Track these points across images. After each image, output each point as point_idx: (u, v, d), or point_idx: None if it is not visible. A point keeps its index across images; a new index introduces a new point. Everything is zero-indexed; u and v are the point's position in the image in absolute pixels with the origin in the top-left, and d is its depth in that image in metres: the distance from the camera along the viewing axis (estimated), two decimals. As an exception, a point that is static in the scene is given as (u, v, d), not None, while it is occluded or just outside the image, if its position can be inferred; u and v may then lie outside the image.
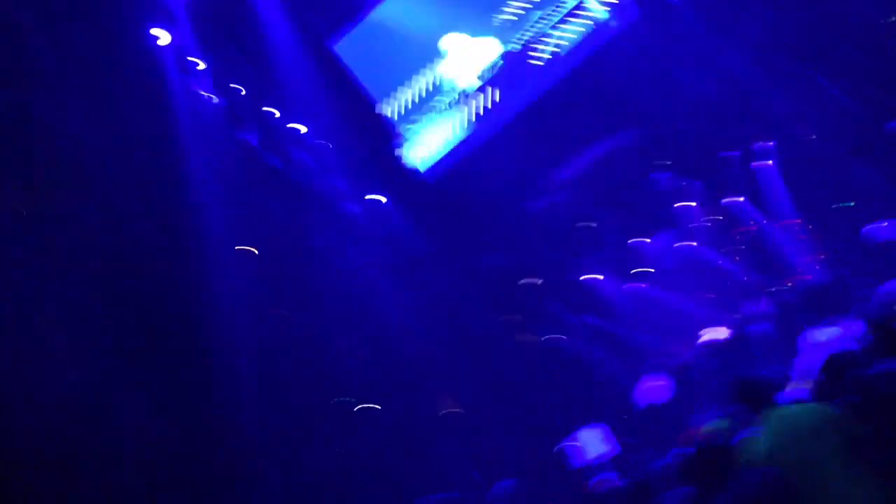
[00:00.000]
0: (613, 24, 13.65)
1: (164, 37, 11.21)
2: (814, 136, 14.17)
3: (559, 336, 14.67)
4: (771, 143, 14.23)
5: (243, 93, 13.03)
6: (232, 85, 12.71)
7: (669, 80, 13.66)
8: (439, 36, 14.38)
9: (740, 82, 13.40)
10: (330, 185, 13.63)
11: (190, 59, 11.66)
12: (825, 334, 8.51)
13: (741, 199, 14.55)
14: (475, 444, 13.20)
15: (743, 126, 13.88)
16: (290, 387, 11.37)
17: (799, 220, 13.98)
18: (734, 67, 13.34)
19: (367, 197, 14.14)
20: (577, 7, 14.01)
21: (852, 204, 13.81)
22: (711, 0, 13.54)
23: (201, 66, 12.11)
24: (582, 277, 15.00)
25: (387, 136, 14.04)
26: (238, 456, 10.22)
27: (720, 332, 13.39)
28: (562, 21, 14.02)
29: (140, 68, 10.67)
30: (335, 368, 12.57)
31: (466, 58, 14.28)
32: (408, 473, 12.02)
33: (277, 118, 13.50)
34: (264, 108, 13.20)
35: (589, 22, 13.83)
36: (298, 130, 13.66)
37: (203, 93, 12.03)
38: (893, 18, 13.38)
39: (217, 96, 12.27)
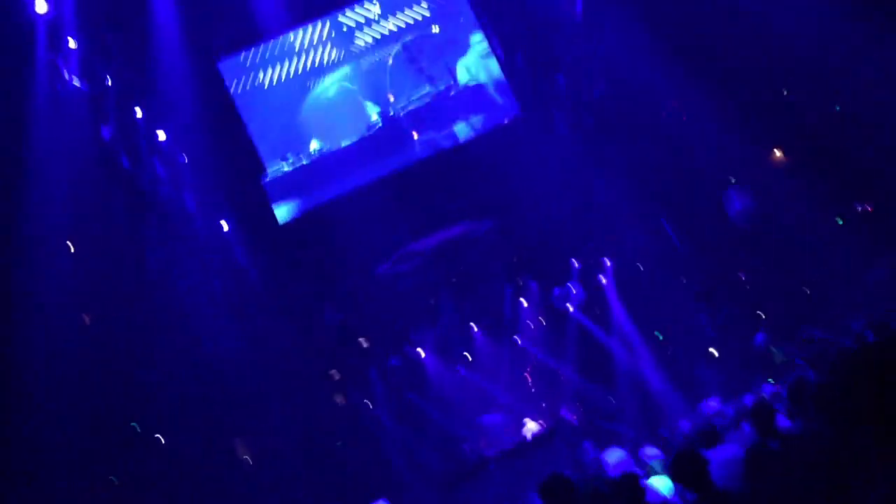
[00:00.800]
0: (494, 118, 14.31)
1: (41, 4, 10.41)
2: (641, 267, 15.31)
3: (371, 403, 14.65)
4: (609, 264, 15.17)
5: (110, 83, 12.30)
6: (100, 73, 11.94)
7: (533, 183, 14.30)
8: (326, 80, 14.41)
9: (595, 205, 14.26)
10: (178, 200, 13.02)
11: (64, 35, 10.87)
12: (615, 456, 8.97)
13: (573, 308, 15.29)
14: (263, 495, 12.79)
15: (588, 242, 14.72)
16: (88, 401, 10.52)
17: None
18: (594, 191, 14.19)
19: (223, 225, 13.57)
20: (464, 91, 14.57)
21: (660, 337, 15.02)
22: (588, 122, 14.41)
23: (72, 44, 11.34)
24: (411, 351, 15.11)
25: (250, 166, 13.70)
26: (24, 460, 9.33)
27: (537, 427, 13.87)
28: (447, 99, 14.51)
29: (7, 32, 9.83)
30: (138, 390, 11.80)
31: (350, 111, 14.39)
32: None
33: (139, 118, 12.80)
34: (129, 105, 12.45)
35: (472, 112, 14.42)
36: (157, 136, 13.02)
37: (66, 73, 11.22)
38: (732, 180, 14.88)
39: (81, 81, 11.49)
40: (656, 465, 7.77)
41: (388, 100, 14.50)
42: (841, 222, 14.61)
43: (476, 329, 15.42)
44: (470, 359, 15.31)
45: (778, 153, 15.33)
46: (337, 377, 14.70)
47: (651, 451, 8.67)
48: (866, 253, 13.27)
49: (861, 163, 13.71)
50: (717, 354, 13.87)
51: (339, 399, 14.88)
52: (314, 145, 14.30)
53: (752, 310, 14.27)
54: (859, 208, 14.67)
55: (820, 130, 13.92)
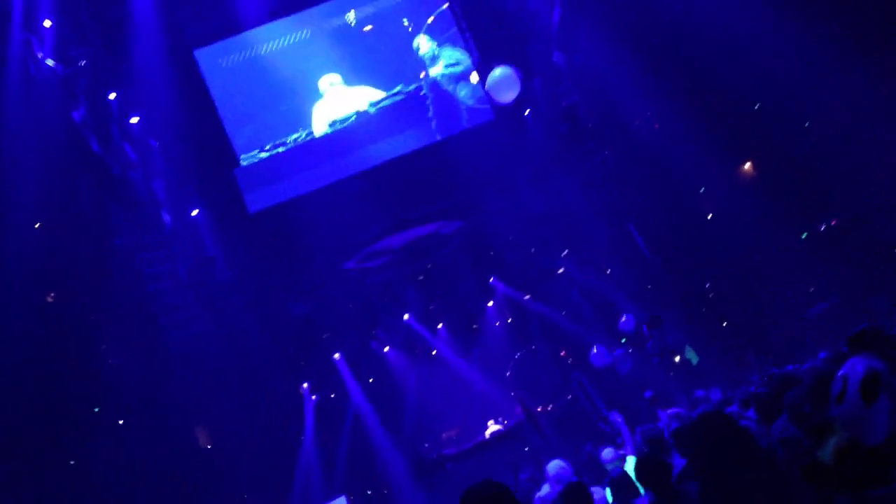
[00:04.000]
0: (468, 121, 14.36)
1: (16, -19, 10.34)
2: (608, 271, 15.51)
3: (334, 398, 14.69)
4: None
5: (83, 64, 12.23)
6: (74, 55, 11.86)
7: (505, 185, 14.39)
8: (306, 74, 14.36)
9: (567, 212, 14.35)
10: (147, 185, 12.95)
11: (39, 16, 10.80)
12: (555, 466, 9.05)
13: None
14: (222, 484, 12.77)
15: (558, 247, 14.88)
16: (48, 381, 10.47)
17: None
18: (566, 196, 14.27)
19: (193, 213, 13.49)
20: (437, 90, 14.60)
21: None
22: (561, 128, 14.50)
23: (47, 23, 11.27)
24: (377, 346, 15.16)
25: (222, 154, 13.64)
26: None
27: (498, 427, 13.96)
28: (419, 99, 14.52)
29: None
30: (99, 374, 11.74)
31: (332, 103, 14.31)
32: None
33: (112, 101, 12.72)
34: (102, 88, 12.36)
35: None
36: (129, 120, 12.95)
37: (40, 53, 11.15)
38: (702, 190, 15.13)
39: (55, 61, 11.41)
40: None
41: (364, 94, 14.47)
42: (805, 236, 14.88)
43: (442, 328, 15.49)
44: (435, 356, 15.39)
45: (747, 165, 15.56)
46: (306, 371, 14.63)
47: (608, 453, 8.83)
48: (821, 275, 13.57)
49: (828, 180, 13.94)
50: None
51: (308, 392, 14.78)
52: (290, 135, 14.23)
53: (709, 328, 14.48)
54: (824, 226, 14.94)
55: (789, 145, 14.15)
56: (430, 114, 14.35)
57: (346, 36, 14.39)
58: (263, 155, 14.06)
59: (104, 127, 12.40)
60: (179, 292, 12.92)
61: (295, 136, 14.23)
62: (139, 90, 12.84)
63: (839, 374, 3.51)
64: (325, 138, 14.39)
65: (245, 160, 13.94)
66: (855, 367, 3.48)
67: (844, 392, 3.35)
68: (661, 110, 14.04)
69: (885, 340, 5.48)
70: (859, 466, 3.23)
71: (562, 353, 15.31)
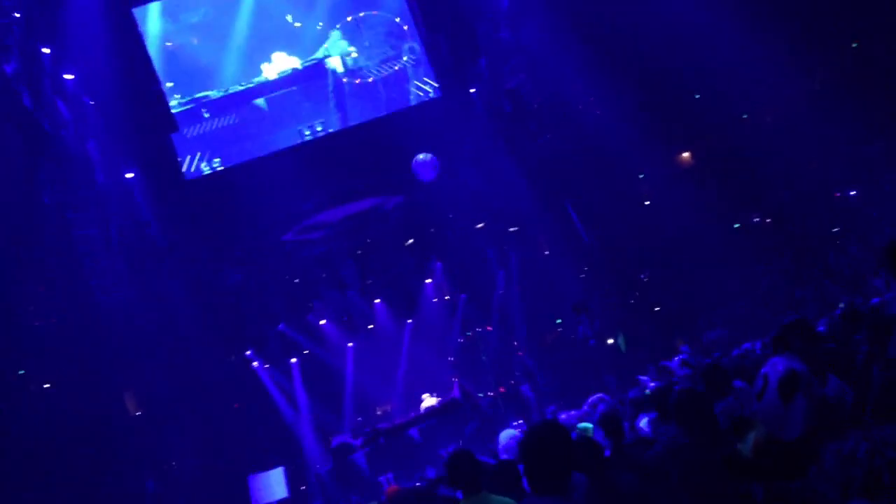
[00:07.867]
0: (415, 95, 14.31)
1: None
2: (546, 252, 15.71)
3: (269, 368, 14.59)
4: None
5: (17, 16, 11.84)
6: (7, 4, 11.46)
7: (445, 165, 14.38)
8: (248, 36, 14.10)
9: (507, 193, 14.44)
10: (80, 144, 12.62)
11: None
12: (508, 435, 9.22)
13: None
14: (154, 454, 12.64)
15: (496, 227, 14.96)
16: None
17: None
18: (507, 177, 14.34)
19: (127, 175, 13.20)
20: (385, 66, 14.49)
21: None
22: (506, 108, 14.54)
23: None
24: (312, 319, 15.08)
25: (160, 118, 13.36)
26: None
27: (435, 400, 14.03)
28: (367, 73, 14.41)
29: None
30: (23, 334, 11.47)
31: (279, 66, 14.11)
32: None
33: (46, 55, 12.35)
34: (36, 43, 11.98)
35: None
36: (64, 77, 12.59)
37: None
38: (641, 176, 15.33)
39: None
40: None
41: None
42: (737, 227, 15.25)
43: (379, 303, 15.49)
44: (372, 330, 15.39)
45: (685, 154, 15.86)
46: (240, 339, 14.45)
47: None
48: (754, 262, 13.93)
49: (762, 172, 14.29)
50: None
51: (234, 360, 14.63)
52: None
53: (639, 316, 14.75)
54: (756, 219, 15.32)
55: (727, 136, 14.45)
56: (376, 89, 14.26)
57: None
58: (200, 122, 13.77)
59: (37, 82, 12.02)
60: (110, 255, 12.64)
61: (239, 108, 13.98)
62: (75, 47, 12.46)
63: (761, 371, 3.71)
64: (269, 104, 14.15)
65: (183, 120, 13.63)
66: (776, 367, 3.66)
67: (765, 389, 3.53)
68: (603, 96, 14.21)
69: (810, 333, 5.68)
70: (776, 460, 3.42)
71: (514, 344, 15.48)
